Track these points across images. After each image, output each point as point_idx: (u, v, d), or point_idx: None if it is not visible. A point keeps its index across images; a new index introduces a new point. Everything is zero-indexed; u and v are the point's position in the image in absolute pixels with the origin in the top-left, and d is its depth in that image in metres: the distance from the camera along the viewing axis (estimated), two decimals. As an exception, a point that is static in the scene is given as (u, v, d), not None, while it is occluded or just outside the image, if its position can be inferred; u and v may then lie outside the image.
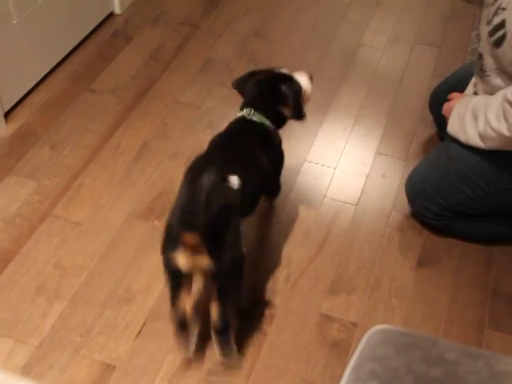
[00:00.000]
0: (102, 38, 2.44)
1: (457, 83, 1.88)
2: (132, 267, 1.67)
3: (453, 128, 1.67)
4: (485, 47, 1.63)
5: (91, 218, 1.79)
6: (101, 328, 1.53)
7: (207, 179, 1.28)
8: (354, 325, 1.57)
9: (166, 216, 1.72)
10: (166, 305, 1.57)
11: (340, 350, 1.52)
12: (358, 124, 2.13)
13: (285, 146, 2.00)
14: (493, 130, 1.51)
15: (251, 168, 1.50)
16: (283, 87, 1.60)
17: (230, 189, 1.35)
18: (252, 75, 1.66)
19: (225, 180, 1.34)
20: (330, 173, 1.96)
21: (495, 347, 1.54)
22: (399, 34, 2.54)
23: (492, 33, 1.54)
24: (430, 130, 2.09)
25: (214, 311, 1.34)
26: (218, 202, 1.28)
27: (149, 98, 2.18)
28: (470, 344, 1.55)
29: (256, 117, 1.59)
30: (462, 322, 1.59)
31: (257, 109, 1.59)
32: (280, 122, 1.66)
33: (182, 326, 1.41)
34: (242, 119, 1.60)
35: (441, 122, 1.86)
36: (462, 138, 1.62)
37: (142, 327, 1.54)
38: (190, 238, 1.27)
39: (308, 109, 2.13)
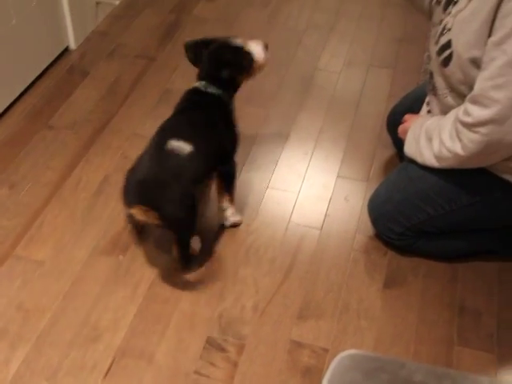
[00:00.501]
0: (58, 74, 2.43)
1: (412, 103, 1.91)
2: (98, 304, 1.65)
3: (409, 150, 1.69)
4: (434, 66, 1.66)
5: (54, 256, 1.76)
6: (68, 369, 1.50)
7: (163, 148, 1.55)
8: (325, 350, 1.57)
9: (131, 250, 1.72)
10: (135, 340, 1.57)
11: (312, 376, 1.51)
12: (318, 148, 2.15)
13: (246, 174, 2.02)
14: (447, 150, 1.53)
15: (205, 137, 1.65)
16: (233, 58, 1.70)
17: (183, 156, 1.55)
18: (205, 45, 1.74)
19: (177, 148, 1.55)
20: (292, 198, 1.97)
21: (465, 364, 1.55)
22: (354, 57, 2.58)
23: (439, 52, 1.57)
24: (389, 150, 2.12)
25: (175, 251, 1.68)
26: (171, 171, 1.53)
27: (108, 132, 2.17)
28: (441, 362, 1.56)
29: (211, 89, 1.71)
30: (432, 340, 1.60)
31: (211, 81, 1.71)
32: (235, 88, 1.77)
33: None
34: (197, 90, 1.72)
35: (399, 142, 1.88)
36: (418, 159, 1.65)
37: (110, 365, 1.52)
38: (143, 210, 1.54)
39: (268, 135, 2.16)
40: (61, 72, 2.44)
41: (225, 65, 1.70)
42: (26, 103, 2.28)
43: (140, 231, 1.82)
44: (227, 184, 1.81)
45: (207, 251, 1.79)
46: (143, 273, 1.72)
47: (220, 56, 1.72)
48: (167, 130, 1.67)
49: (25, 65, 2.31)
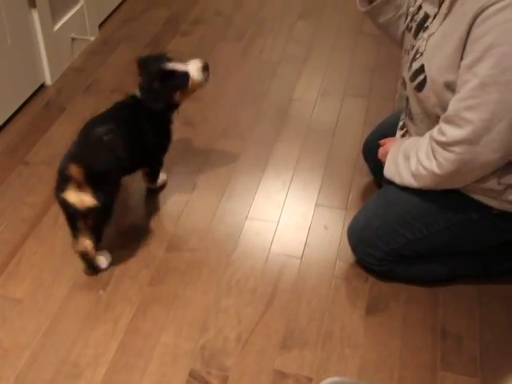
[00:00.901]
0: (35, 110, 2.43)
1: (387, 131, 1.94)
2: (78, 340, 1.62)
3: (388, 171, 1.71)
4: (409, 92, 1.69)
5: (33, 293, 1.74)
6: (49, 408, 1.48)
7: (92, 133, 1.73)
8: (309, 379, 1.56)
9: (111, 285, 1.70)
10: (117, 376, 1.54)
11: (297, 406, 1.50)
12: (296, 177, 2.16)
13: (225, 205, 2.02)
14: (424, 168, 1.55)
15: (131, 134, 1.81)
16: (163, 83, 1.83)
17: (107, 143, 1.71)
18: (153, 60, 1.86)
19: (104, 135, 1.71)
20: (272, 228, 1.97)
21: (449, 388, 1.55)
22: (329, 87, 2.61)
23: (413, 78, 1.60)
24: (366, 178, 2.14)
25: (89, 243, 1.73)
26: (99, 150, 1.69)
27: (85, 166, 2.16)
28: (425, 387, 1.56)
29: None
30: (415, 366, 1.60)
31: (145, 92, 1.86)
32: (172, 102, 1.89)
33: (90, 266, 1.79)
34: (133, 96, 1.88)
35: (376, 169, 1.90)
36: (397, 180, 1.67)
37: (92, 403, 1.50)
38: (75, 169, 1.60)
39: (246, 166, 2.17)
40: (37, 108, 2.44)
41: (158, 79, 1.82)
42: (2, 140, 2.27)
43: (92, 264, 1.79)
44: (151, 179, 2.05)
45: (188, 281, 1.78)
46: (124, 307, 1.71)
47: (154, 73, 1.83)
48: (94, 122, 1.83)
49: (0, 102, 2.31)
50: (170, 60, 1.86)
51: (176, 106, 1.92)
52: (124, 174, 1.86)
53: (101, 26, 2.97)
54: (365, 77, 2.69)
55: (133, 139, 1.81)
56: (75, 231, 1.73)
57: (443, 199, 1.62)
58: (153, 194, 2.08)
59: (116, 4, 3.13)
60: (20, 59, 2.38)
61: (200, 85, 1.89)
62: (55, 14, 2.54)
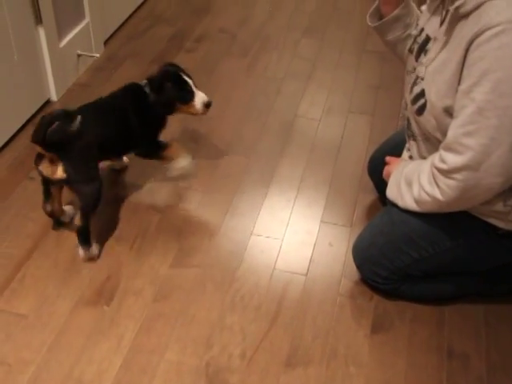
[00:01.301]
0: (40, 125, 2.43)
1: (392, 149, 1.94)
2: (82, 356, 1.62)
3: (391, 194, 1.71)
4: (410, 113, 1.70)
5: (37, 308, 1.73)
6: (52, 425, 1.47)
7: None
8: (314, 398, 1.55)
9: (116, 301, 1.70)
10: (120, 394, 1.53)
11: (302, 425, 1.49)
12: (300, 194, 2.16)
13: (229, 222, 2.02)
14: (427, 194, 1.55)
15: (114, 119, 1.95)
16: (173, 87, 2.00)
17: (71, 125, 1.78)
18: (174, 67, 2.07)
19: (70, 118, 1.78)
20: (277, 245, 1.97)
21: (455, 408, 1.54)
22: (333, 105, 2.62)
23: (413, 101, 1.61)
24: (371, 195, 2.14)
25: (77, 217, 1.84)
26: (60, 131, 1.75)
27: (90, 181, 2.17)
28: (431, 407, 1.55)
29: (147, 90, 2.00)
30: (421, 385, 1.59)
31: (152, 86, 2.00)
32: (169, 107, 2.04)
33: (56, 222, 1.99)
34: (138, 85, 2.03)
35: (381, 187, 1.90)
36: (399, 203, 1.67)
37: (95, 420, 1.49)
38: (38, 148, 1.76)
39: (251, 182, 2.17)
40: (42, 123, 2.44)
41: (172, 82, 2.00)
42: (8, 155, 2.28)
43: (58, 220, 1.97)
44: (150, 157, 2.10)
45: (193, 298, 1.77)
46: (128, 323, 1.70)
47: (173, 74, 2.02)
48: (89, 105, 1.97)
49: (6, 117, 2.31)
50: (188, 76, 2.04)
51: (170, 112, 2.06)
52: (104, 156, 1.99)
53: (106, 42, 2.99)
54: (369, 94, 2.70)
55: (111, 126, 1.94)
56: (47, 195, 1.90)
57: (448, 219, 1.62)
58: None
59: (121, 21, 3.15)
60: (26, 75, 2.39)
61: (195, 112, 2.05)
62: (61, 31, 2.56)
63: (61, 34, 2.55)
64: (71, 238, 1.94)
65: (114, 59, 2.86)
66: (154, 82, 2.00)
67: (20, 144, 2.33)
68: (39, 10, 2.36)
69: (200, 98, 2.03)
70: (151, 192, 2.14)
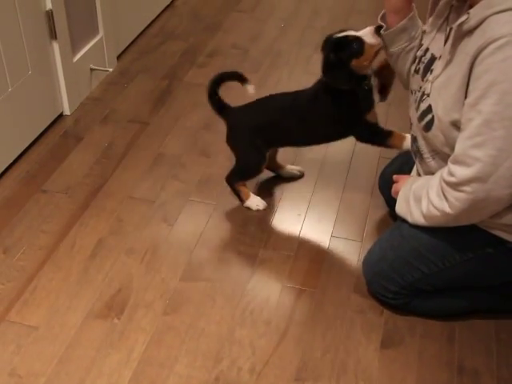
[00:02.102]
0: (53, 139, 2.46)
1: (403, 165, 1.95)
2: (92, 368, 1.62)
3: (400, 210, 1.72)
4: (416, 132, 1.71)
5: (48, 320, 1.74)
6: None
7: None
8: (324, 412, 1.54)
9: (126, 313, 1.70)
10: (130, 406, 1.53)
11: None
12: (311, 209, 2.16)
13: (240, 236, 2.02)
14: (435, 208, 1.55)
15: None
16: (337, 53, 1.86)
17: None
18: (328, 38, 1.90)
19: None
20: (287, 259, 1.97)
21: (466, 425, 1.53)
22: (344, 120, 2.62)
23: (421, 118, 1.62)
24: (382, 210, 2.14)
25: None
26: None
27: (102, 195, 2.18)
28: (441, 423, 1.53)
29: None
30: (431, 401, 1.59)
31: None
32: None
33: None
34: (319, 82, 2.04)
35: (391, 202, 1.90)
36: (409, 219, 1.67)
37: (105, 432, 1.49)
38: None
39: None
40: (55, 137, 2.47)
41: (332, 51, 1.87)
42: (21, 168, 2.30)
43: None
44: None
45: (203, 311, 1.78)
46: (138, 336, 1.71)
47: (327, 45, 1.89)
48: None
49: (20, 131, 2.34)
50: (342, 31, 1.86)
51: (363, 77, 1.89)
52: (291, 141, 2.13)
53: (119, 57, 3.02)
54: (380, 109, 2.68)
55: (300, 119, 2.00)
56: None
57: (458, 233, 1.61)
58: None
59: (134, 36, 3.18)
60: (40, 89, 2.42)
61: (375, 47, 1.82)
62: (75, 46, 2.59)
63: (74, 48, 2.59)
64: (83, 250, 1.96)
65: (127, 74, 2.89)
66: (322, 68, 1.91)
67: (33, 157, 2.36)
68: (54, 25, 2.39)
69: (366, 32, 1.82)
70: (162, 205, 2.15)
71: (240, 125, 2.11)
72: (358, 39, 1.82)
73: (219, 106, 2.10)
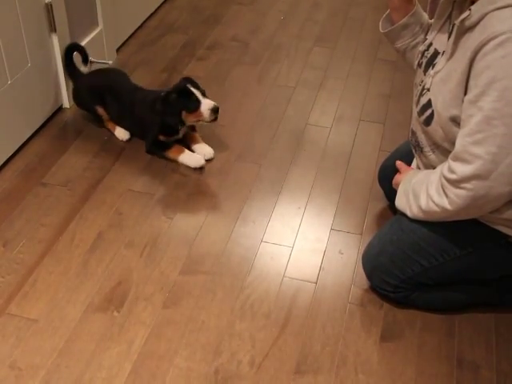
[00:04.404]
0: (52, 132, 2.45)
1: (403, 157, 1.94)
2: (92, 361, 1.62)
3: (399, 203, 1.72)
4: (416, 126, 1.71)
5: (48, 313, 1.74)
6: (62, 429, 1.47)
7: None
8: (323, 405, 1.55)
9: (126, 307, 1.70)
10: (130, 399, 1.53)
11: (311, 432, 1.49)
12: (311, 202, 2.16)
13: (240, 229, 2.03)
14: (435, 204, 1.55)
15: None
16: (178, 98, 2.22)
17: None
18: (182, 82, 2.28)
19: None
20: (287, 252, 1.97)
21: (465, 418, 1.54)
22: (344, 113, 2.62)
23: (420, 113, 1.62)
24: (381, 203, 2.14)
25: None
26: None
27: (102, 188, 2.18)
28: (440, 416, 1.54)
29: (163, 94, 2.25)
30: (430, 394, 1.59)
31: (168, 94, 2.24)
32: (178, 116, 2.26)
33: None
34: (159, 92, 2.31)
35: (391, 195, 1.90)
36: (408, 213, 1.67)
37: (105, 425, 1.49)
38: None
39: (261, 190, 2.18)
40: (54, 130, 2.47)
41: (177, 94, 2.22)
42: (20, 161, 2.30)
43: None
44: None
45: (202, 304, 1.78)
46: (138, 329, 1.71)
47: (177, 87, 2.25)
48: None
49: (19, 124, 2.34)
50: (195, 86, 2.22)
51: (182, 123, 2.27)
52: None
53: (118, 50, 3.01)
54: (380, 103, 2.70)
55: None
56: None
57: (458, 227, 1.61)
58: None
59: (133, 29, 3.17)
60: (39, 82, 2.41)
61: (204, 119, 2.21)
62: (74, 38, 2.58)
63: (74, 41, 2.57)
64: (83, 243, 1.96)
65: (126, 66, 2.88)
66: (162, 96, 2.22)
67: (32, 150, 2.35)
68: (53, 18, 2.38)
69: (206, 104, 2.18)
70: (162, 198, 2.15)
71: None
72: (198, 103, 2.19)
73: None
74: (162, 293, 1.81)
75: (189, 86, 2.21)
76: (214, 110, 2.19)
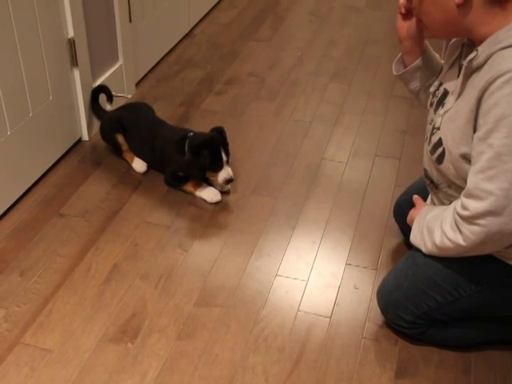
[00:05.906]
0: (71, 164, 2.49)
1: (418, 193, 1.94)
2: (105, 394, 1.62)
3: (414, 239, 1.72)
4: (429, 164, 1.72)
5: (62, 344, 1.75)
6: None
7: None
8: None
9: (140, 338, 1.70)
10: (142, 432, 1.52)
11: None
12: (326, 237, 2.17)
13: (255, 262, 2.03)
14: (450, 240, 1.55)
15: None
16: (207, 153, 2.24)
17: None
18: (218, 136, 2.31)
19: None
20: (301, 286, 1.97)
21: None
22: (360, 148, 2.64)
23: (432, 151, 1.64)
24: (397, 238, 2.14)
25: None
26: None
27: (118, 219, 2.20)
28: None
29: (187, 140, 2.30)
30: (446, 432, 1.57)
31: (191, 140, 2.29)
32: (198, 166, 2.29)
33: None
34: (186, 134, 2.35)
35: (406, 230, 1.90)
36: (422, 248, 1.67)
37: None
38: None
39: (276, 224, 2.19)
40: (73, 162, 2.50)
41: (208, 149, 2.23)
42: (39, 192, 2.33)
43: None
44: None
45: (216, 337, 1.78)
46: (151, 361, 1.71)
47: (211, 144, 2.25)
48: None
49: (39, 155, 2.37)
50: (224, 143, 2.28)
51: (199, 174, 2.32)
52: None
53: (138, 84, 3.06)
54: (396, 138, 2.71)
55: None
56: None
57: (472, 262, 1.61)
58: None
59: (152, 64, 3.23)
60: (60, 115, 2.46)
61: (215, 181, 2.30)
62: (95, 73, 2.63)
63: (95, 75, 2.63)
64: (98, 274, 1.97)
65: (145, 100, 2.91)
66: (193, 145, 2.24)
67: (51, 181, 2.38)
68: (75, 53, 2.43)
69: (224, 173, 2.25)
70: (177, 231, 2.16)
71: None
72: (220, 166, 2.24)
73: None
74: (176, 325, 1.82)
75: (220, 146, 2.24)
76: (228, 181, 2.26)
